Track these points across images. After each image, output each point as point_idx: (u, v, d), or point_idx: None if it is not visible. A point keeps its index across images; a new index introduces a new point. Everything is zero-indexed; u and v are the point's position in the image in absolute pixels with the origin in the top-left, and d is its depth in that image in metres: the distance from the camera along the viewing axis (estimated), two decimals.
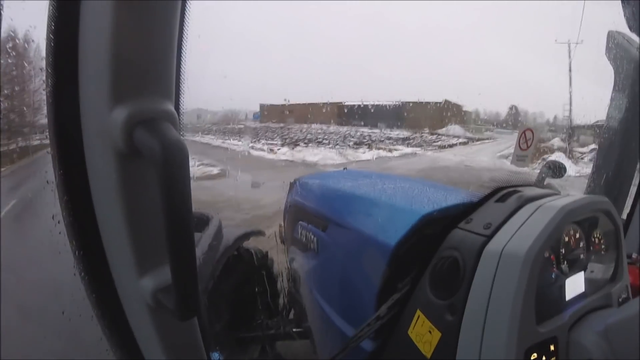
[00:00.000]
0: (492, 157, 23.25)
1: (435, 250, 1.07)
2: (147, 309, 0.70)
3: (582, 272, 1.07)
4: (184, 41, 0.65)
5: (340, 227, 1.46)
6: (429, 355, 1.00)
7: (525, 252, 0.88)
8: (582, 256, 1.08)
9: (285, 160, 15.03)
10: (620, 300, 1.11)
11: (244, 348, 2.18)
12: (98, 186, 0.65)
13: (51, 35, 0.58)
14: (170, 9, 0.59)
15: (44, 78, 0.61)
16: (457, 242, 1.03)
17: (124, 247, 0.65)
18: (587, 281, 1.08)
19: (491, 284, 0.90)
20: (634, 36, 1.70)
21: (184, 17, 0.63)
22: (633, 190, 1.86)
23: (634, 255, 1.54)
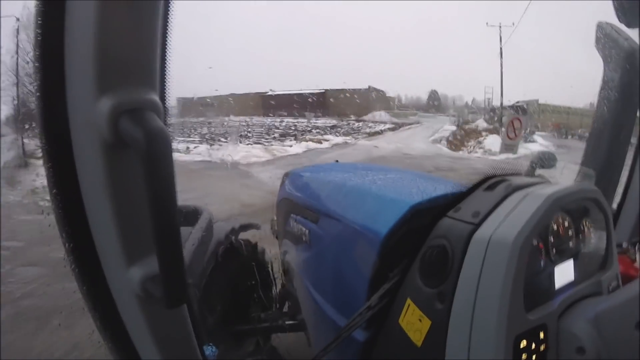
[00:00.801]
0: (426, 142, 23.52)
1: (424, 240, 1.07)
2: (136, 300, 0.70)
3: (572, 260, 1.08)
4: (169, 31, 0.65)
5: (331, 219, 1.46)
6: (419, 344, 1.01)
7: (513, 239, 0.89)
8: (571, 244, 1.09)
9: (202, 162, 13.49)
10: (610, 288, 1.11)
11: (238, 342, 2.18)
12: (86, 177, 0.65)
13: (38, 30, 0.58)
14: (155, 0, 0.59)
15: (32, 71, 0.62)
16: (446, 230, 1.03)
17: (112, 237, 0.65)
18: (577, 269, 1.08)
19: (479, 271, 0.91)
20: (623, 27, 1.71)
21: (168, 7, 0.63)
22: (623, 180, 1.87)
23: (625, 245, 1.55)
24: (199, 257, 1.63)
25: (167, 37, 0.65)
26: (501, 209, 0.99)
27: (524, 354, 0.90)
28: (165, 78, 0.68)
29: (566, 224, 1.08)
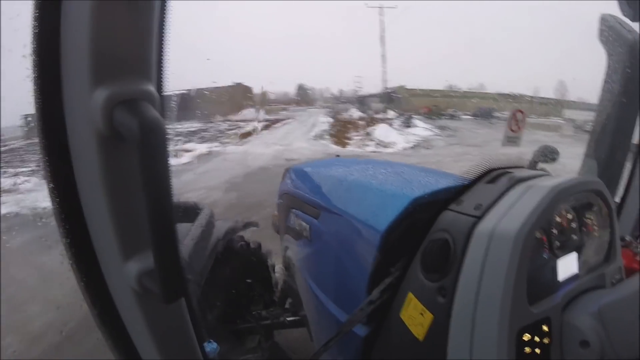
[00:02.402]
0: (307, 140, 20.90)
1: (426, 233, 1.06)
2: (134, 295, 0.70)
3: (575, 253, 1.07)
4: (166, 22, 0.64)
5: (332, 214, 1.46)
6: (421, 338, 1.00)
7: (516, 232, 0.88)
8: (574, 237, 1.07)
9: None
10: (613, 281, 1.11)
11: (240, 339, 2.18)
12: (82, 171, 0.64)
13: (35, 22, 0.58)
14: None
15: (29, 65, 0.61)
16: (448, 223, 1.03)
17: (109, 231, 0.64)
18: (580, 262, 1.07)
19: (482, 264, 0.90)
20: (627, 19, 1.70)
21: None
22: (626, 173, 1.86)
23: (628, 238, 1.54)
24: (199, 253, 1.63)
25: (163, 27, 0.64)
26: (504, 201, 0.98)
27: (527, 348, 0.89)
28: (162, 69, 0.67)
29: (569, 216, 1.07)
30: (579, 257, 1.07)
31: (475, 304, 0.89)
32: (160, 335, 0.77)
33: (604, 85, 1.79)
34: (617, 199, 1.85)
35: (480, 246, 0.92)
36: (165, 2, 0.63)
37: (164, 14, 0.64)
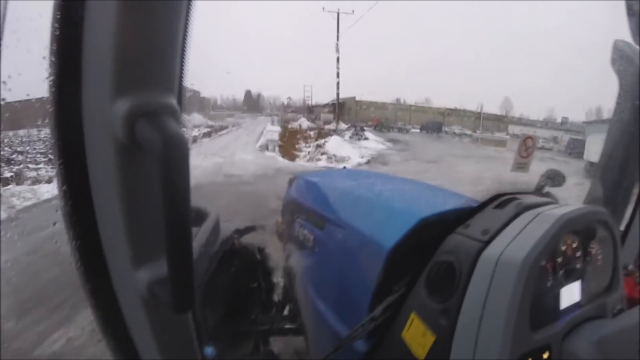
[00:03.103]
0: (253, 151, 19.20)
1: (432, 254, 1.06)
2: (141, 301, 0.70)
3: (578, 282, 1.07)
4: (189, 35, 0.65)
5: (337, 227, 1.46)
6: (422, 358, 1.00)
7: (522, 260, 0.88)
8: (578, 265, 1.07)
9: None
10: (614, 311, 1.11)
11: (236, 343, 2.18)
12: (97, 177, 0.64)
13: (55, 25, 0.58)
14: (175, 3, 0.59)
15: (47, 68, 0.61)
16: (454, 247, 1.03)
17: (121, 238, 0.64)
18: (583, 290, 1.07)
19: (487, 290, 0.90)
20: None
21: (189, 11, 0.63)
22: (633, 201, 1.86)
23: (630, 267, 1.54)
24: (203, 258, 1.63)
25: (186, 39, 0.65)
26: (511, 228, 0.99)
27: None
28: (183, 82, 0.67)
29: (574, 245, 1.07)
30: (582, 285, 1.07)
31: (478, 328, 0.89)
32: (163, 338, 0.77)
33: (614, 112, 1.79)
34: (622, 226, 1.84)
35: (486, 271, 0.92)
36: (189, 13, 0.63)
37: (187, 25, 0.64)
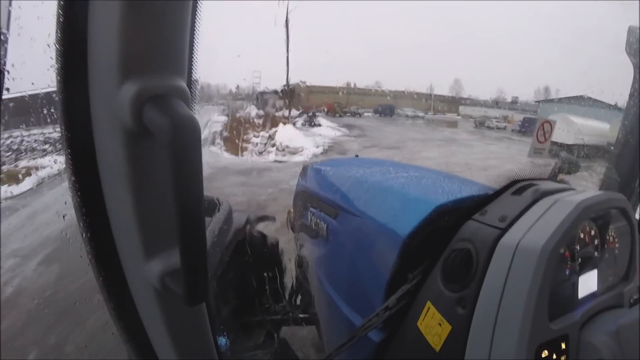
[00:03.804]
0: None
1: (448, 242, 1.05)
2: (154, 293, 0.69)
3: (595, 270, 1.05)
4: (198, 17, 0.63)
5: (351, 215, 1.45)
6: (437, 348, 0.98)
7: (542, 247, 0.86)
8: (596, 254, 1.06)
9: None
10: (631, 300, 1.09)
11: (249, 332, 2.18)
12: (106, 166, 0.63)
13: (60, 11, 0.56)
14: None
15: (52, 56, 0.60)
16: (471, 234, 1.01)
17: (132, 229, 0.63)
18: (600, 280, 1.05)
19: (505, 278, 0.88)
20: None
21: None
22: None
23: None
24: (217, 249, 1.62)
25: (196, 21, 0.63)
26: (529, 214, 0.97)
27: None
28: (192, 63, 0.65)
29: (592, 232, 1.05)
30: (599, 274, 1.05)
31: (495, 318, 0.88)
32: (176, 329, 0.76)
33: (630, 99, 1.76)
34: (637, 215, 1.82)
35: (504, 259, 0.90)
36: None
37: (197, 6, 0.62)
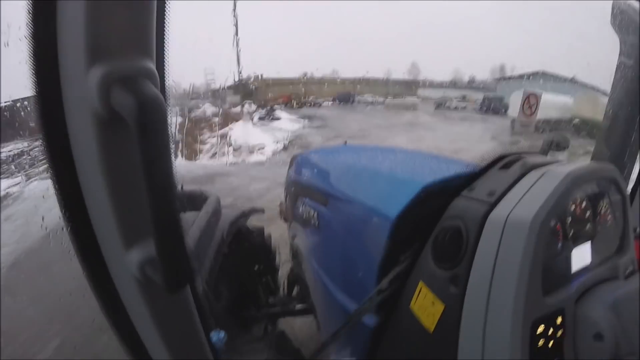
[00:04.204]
0: None
1: (437, 222, 1.04)
2: (137, 284, 0.67)
3: (589, 243, 1.05)
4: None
5: (340, 202, 1.44)
6: (432, 328, 0.98)
7: (531, 220, 0.85)
8: (588, 227, 1.05)
9: None
10: (626, 273, 1.09)
11: (247, 327, 2.18)
12: (81, 156, 0.61)
13: (30, 2, 0.55)
14: None
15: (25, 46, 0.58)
16: (460, 210, 1.00)
17: (109, 219, 0.62)
18: (594, 252, 1.05)
19: (495, 253, 0.88)
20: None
21: None
22: (638, 161, 1.83)
23: (638, 230, 1.52)
24: (205, 241, 1.62)
25: (165, 4, 0.61)
26: (518, 188, 0.96)
27: (541, 340, 0.87)
28: (163, 44, 0.64)
29: (584, 205, 1.04)
30: (592, 247, 1.05)
31: (488, 294, 0.87)
32: (165, 324, 0.75)
33: (616, 73, 1.76)
34: (629, 189, 1.82)
35: (494, 234, 0.89)
36: None
37: None
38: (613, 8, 1.74)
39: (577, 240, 1.02)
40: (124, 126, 0.55)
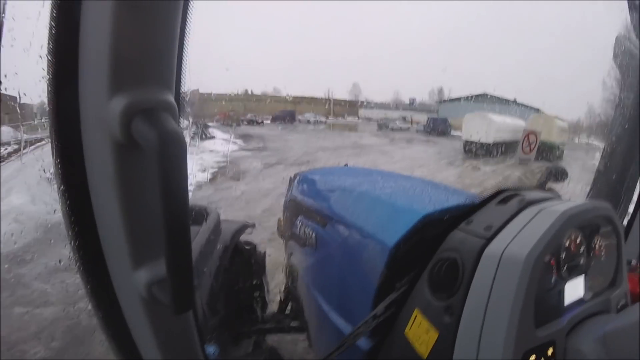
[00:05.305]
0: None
1: (434, 251, 1.06)
2: (141, 302, 0.69)
3: (582, 277, 1.06)
4: (187, 32, 0.64)
5: (339, 224, 1.45)
6: (425, 356, 0.99)
7: (526, 256, 0.87)
8: (582, 261, 1.07)
9: None
10: (618, 306, 1.10)
11: (239, 342, 2.18)
12: (95, 177, 0.64)
13: (52, 23, 0.57)
14: (173, 2, 0.58)
15: (44, 67, 0.60)
16: (457, 243, 1.02)
17: (120, 238, 0.64)
18: (587, 286, 1.07)
19: (490, 286, 0.90)
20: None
21: (187, 8, 0.62)
22: (635, 196, 1.85)
23: (633, 262, 1.53)
24: (204, 258, 1.62)
25: (185, 36, 0.64)
26: (514, 223, 0.98)
27: None
28: (180, 78, 0.66)
29: (578, 240, 1.06)
30: (586, 281, 1.07)
31: (482, 325, 0.89)
32: (164, 339, 0.76)
33: (616, 108, 1.79)
34: (624, 222, 1.84)
35: (490, 268, 0.91)
36: (187, 10, 0.63)
37: (186, 21, 0.63)
38: (616, 45, 1.77)
39: (571, 274, 1.03)
40: (139, 152, 0.57)
